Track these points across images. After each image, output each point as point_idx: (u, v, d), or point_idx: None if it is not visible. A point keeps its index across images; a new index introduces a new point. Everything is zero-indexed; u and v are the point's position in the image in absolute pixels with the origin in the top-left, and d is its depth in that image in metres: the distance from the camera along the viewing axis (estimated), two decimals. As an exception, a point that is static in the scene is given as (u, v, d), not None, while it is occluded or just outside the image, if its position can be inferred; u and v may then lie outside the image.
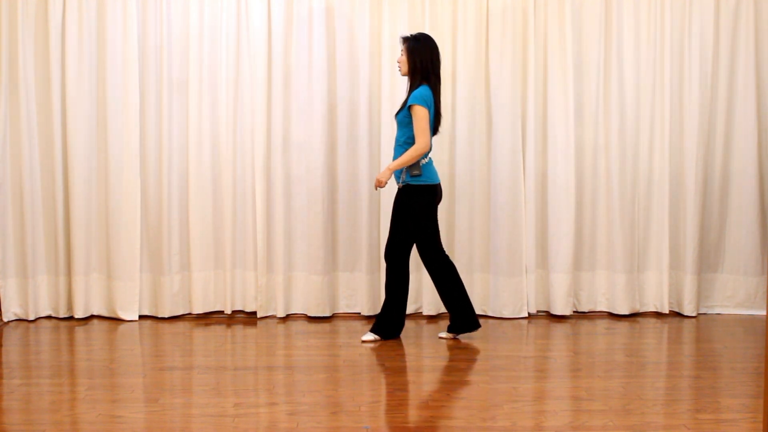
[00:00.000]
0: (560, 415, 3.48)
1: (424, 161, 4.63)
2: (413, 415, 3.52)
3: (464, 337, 4.80)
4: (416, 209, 4.63)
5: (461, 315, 4.74)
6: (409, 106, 4.58)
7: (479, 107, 5.32)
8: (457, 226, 5.33)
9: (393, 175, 4.69)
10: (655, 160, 5.37)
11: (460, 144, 5.31)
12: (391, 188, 5.05)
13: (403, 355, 4.48)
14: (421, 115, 4.54)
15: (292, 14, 5.28)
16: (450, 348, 4.62)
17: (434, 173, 4.69)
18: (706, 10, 5.35)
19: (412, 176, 4.60)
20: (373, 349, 4.59)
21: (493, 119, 5.31)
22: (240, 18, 5.27)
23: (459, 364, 4.32)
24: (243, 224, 5.35)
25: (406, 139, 4.63)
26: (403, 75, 4.73)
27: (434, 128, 4.69)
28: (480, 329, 4.80)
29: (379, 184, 4.63)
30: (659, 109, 5.35)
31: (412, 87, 4.65)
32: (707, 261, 5.50)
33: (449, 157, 5.36)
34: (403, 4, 5.29)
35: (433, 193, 4.67)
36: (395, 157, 4.66)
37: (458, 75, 5.30)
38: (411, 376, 4.11)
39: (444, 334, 4.81)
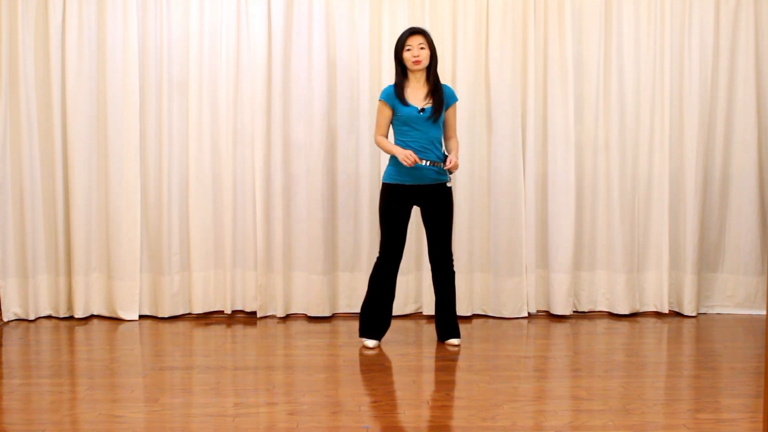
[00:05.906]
0: (560, 415, 3.48)
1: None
2: (413, 415, 3.52)
3: (464, 338, 4.79)
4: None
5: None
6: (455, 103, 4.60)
7: (479, 107, 5.32)
8: (457, 226, 5.32)
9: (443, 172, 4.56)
10: (655, 160, 5.38)
11: (460, 144, 5.30)
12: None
13: (403, 355, 4.48)
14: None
15: (292, 15, 5.28)
16: (450, 348, 4.62)
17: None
18: (706, 10, 5.35)
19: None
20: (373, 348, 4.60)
21: (493, 119, 5.31)
22: (240, 18, 5.27)
23: (459, 364, 4.32)
24: (243, 224, 5.35)
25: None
26: (423, 68, 4.53)
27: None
28: (480, 329, 4.78)
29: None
30: (659, 109, 5.35)
31: (438, 83, 4.56)
32: (707, 261, 5.50)
33: (449, 157, 5.36)
34: (403, 4, 5.29)
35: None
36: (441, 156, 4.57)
37: (458, 75, 5.30)
38: (411, 376, 4.11)
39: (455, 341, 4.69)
